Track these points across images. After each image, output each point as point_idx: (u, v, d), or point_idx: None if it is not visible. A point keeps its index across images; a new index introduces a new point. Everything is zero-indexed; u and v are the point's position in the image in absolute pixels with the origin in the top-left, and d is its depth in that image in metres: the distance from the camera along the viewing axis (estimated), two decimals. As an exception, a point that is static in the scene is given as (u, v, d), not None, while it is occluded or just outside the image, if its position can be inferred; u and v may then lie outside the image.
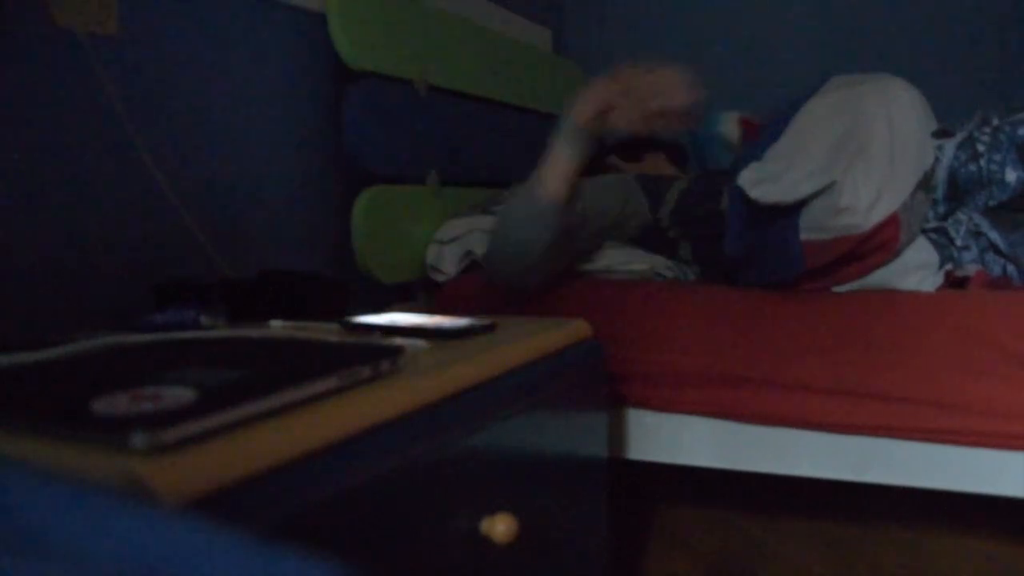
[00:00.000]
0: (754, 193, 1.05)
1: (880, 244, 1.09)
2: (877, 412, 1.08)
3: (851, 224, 1.04)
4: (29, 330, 0.92)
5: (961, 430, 1.04)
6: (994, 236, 1.18)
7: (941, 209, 1.24)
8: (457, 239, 1.43)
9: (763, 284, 1.19)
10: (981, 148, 1.22)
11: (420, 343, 0.83)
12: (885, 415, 1.08)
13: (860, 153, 1.06)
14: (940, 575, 1.32)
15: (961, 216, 1.20)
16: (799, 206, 1.05)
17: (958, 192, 1.23)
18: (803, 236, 1.06)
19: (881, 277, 1.14)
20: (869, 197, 1.03)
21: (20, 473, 0.31)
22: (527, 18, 2.09)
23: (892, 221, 1.06)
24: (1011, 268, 1.19)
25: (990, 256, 1.20)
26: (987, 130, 1.23)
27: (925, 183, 1.16)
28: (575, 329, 1.04)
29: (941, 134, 1.25)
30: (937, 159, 1.24)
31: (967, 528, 1.38)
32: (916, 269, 1.14)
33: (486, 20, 1.86)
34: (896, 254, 1.13)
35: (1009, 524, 1.37)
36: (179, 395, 0.53)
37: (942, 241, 1.19)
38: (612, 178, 1.49)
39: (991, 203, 1.20)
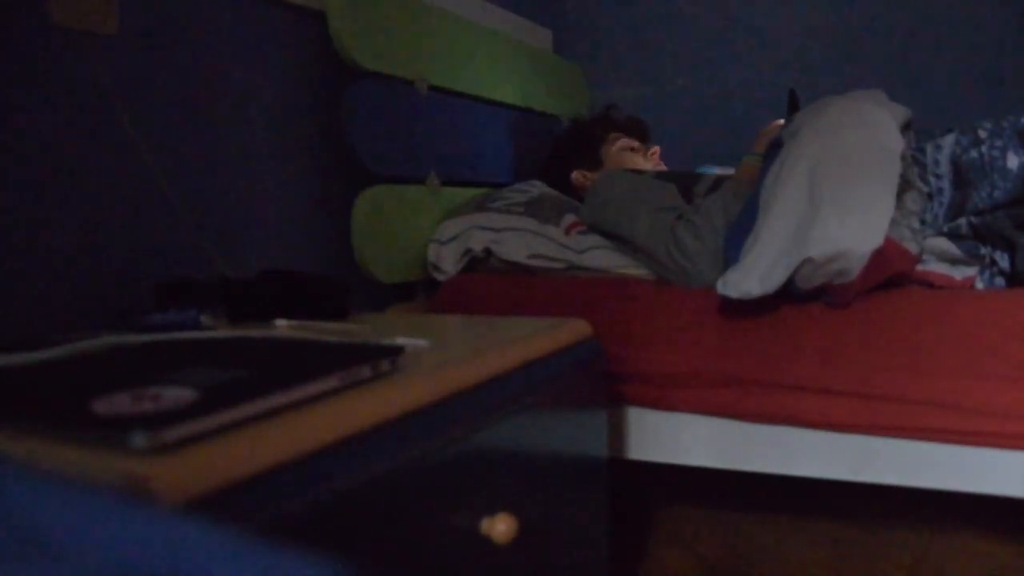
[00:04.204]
0: (734, 294, 1.08)
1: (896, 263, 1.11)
2: (877, 412, 1.08)
3: (847, 268, 1.06)
4: (29, 330, 0.92)
5: (961, 430, 1.04)
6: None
7: (946, 198, 1.24)
8: (456, 238, 1.43)
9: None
10: (983, 134, 1.23)
11: (421, 343, 0.83)
12: (885, 415, 1.08)
13: (824, 201, 1.09)
14: (940, 575, 1.31)
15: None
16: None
17: (962, 179, 1.23)
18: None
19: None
20: (854, 233, 1.05)
21: (20, 473, 0.31)
22: (527, 18, 2.09)
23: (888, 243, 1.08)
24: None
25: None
26: (988, 125, 1.24)
27: (904, 190, 1.18)
28: (575, 329, 1.04)
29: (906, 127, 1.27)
30: (939, 146, 1.26)
31: (967, 528, 1.38)
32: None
33: (486, 20, 1.86)
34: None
35: (1009, 524, 1.37)
36: (179, 395, 0.53)
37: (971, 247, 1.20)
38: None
39: (996, 194, 1.20)
